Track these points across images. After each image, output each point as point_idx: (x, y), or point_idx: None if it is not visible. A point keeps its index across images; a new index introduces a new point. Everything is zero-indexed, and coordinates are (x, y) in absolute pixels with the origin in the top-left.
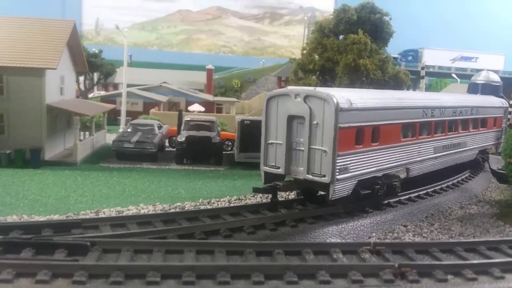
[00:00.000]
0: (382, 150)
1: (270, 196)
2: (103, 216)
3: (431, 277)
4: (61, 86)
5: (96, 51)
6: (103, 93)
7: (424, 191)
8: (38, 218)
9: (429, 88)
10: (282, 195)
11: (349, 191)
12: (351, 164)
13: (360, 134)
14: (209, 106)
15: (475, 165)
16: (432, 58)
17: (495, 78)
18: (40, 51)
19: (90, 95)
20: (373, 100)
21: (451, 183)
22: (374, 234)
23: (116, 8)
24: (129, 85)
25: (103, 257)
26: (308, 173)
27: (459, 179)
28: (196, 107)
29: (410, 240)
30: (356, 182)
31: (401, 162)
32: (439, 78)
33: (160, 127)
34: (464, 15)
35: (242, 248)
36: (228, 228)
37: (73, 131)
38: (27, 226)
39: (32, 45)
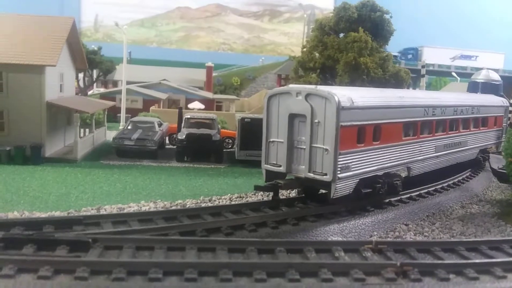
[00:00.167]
0: (383, 149)
1: (271, 194)
2: (104, 213)
3: (433, 276)
4: (60, 83)
5: (95, 48)
6: (102, 90)
7: (425, 190)
8: (40, 214)
9: (428, 86)
10: (283, 193)
11: (351, 190)
12: (353, 163)
13: (361, 133)
14: (208, 104)
15: (476, 164)
16: (432, 56)
17: (495, 77)
18: (40, 48)
19: (90, 92)
20: (374, 98)
21: (452, 182)
22: (375, 233)
23: (115, 5)
24: (128, 82)
25: (105, 253)
26: (309, 172)
27: (460, 178)
28: (196, 105)
29: (411, 239)
30: (357, 180)
31: (402, 161)
32: (439, 76)
33: (160, 125)
34: (464, 13)
35: (244, 246)
36: (230, 226)
37: (73, 128)
38: (28, 223)
39: (31, 42)
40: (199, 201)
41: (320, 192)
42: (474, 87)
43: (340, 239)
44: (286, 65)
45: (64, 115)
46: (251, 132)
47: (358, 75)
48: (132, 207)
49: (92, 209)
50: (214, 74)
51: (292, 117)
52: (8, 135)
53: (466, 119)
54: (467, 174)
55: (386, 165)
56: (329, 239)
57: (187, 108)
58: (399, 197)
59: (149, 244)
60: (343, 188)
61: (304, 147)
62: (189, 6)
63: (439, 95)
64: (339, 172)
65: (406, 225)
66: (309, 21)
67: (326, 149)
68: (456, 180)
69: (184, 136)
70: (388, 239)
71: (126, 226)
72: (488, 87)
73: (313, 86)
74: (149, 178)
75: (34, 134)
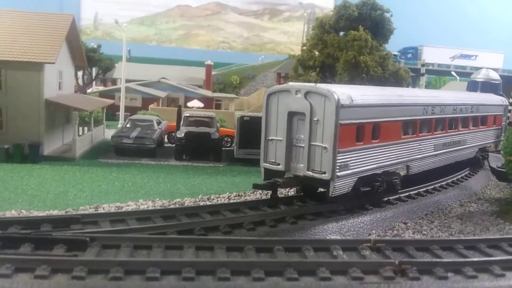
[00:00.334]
0: (382, 147)
1: (270, 192)
2: (102, 211)
3: (431, 274)
4: (59, 81)
5: (95, 46)
6: (101, 88)
7: (424, 189)
8: (37, 213)
9: (428, 86)
10: (282, 192)
11: (349, 188)
12: (352, 161)
13: (360, 131)
14: (208, 102)
15: (475, 163)
16: (432, 55)
17: (495, 76)
18: (39, 46)
19: (89, 90)
20: (373, 97)
21: (451, 180)
22: (374, 231)
23: (115, 3)
24: (127, 81)
25: (102, 252)
26: (308, 170)
27: (459, 177)
28: (195, 103)
29: (410, 238)
30: (356, 179)
31: (401, 160)
32: (439, 75)
33: (159, 123)
34: (464, 13)
35: (242, 245)
36: (228, 225)
37: (71, 126)
38: (26, 221)
39: (30, 39)
40: (197, 200)
41: (318, 191)
42: (473, 86)
43: (338, 237)
44: (285, 64)
45: (63, 113)
46: (250, 131)
47: (357, 74)
48: (131, 206)
49: (90, 208)
50: (213, 72)
51: (291, 115)
52: (6, 133)
53: (465, 118)
54: (466, 173)
55: (385, 163)
56: (328, 237)
57: (186, 106)
58: (398, 196)
59: (147, 243)
60: (341, 186)
61: (303, 145)
62: (189, 5)
63: (439, 93)
64: (337, 170)
65: (404, 223)
66: (309, 20)
67: (325, 147)
68: (455, 178)
69: (183, 135)
70: (387, 238)
71: (124, 225)
72: (487, 86)
73: (312, 84)
74: (147, 177)
75: (33, 132)
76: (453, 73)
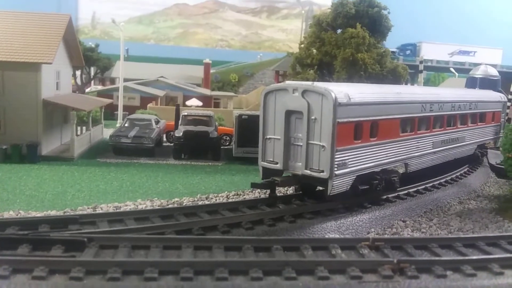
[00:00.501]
0: (380, 145)
1: (268, 191)
2: (100, 211)
3: (430, 272)
4: (57, 80)
5: (93, 45)
6: (100, 87)
7: (423, 186)
8: (35, 213)
9: (427, 82)
10: (280, 191)
11: (348, 187)
12: (350, 159)
13: (358, 129)
14: (206, 101)
15: (474, 160)
16: (430, 52)
17: (494, 72)
18: (36, 46)
19: (87, 90)
20: (371, 94)
21: (449, 178)
22: (372, 230)
23: (112, 2)
24: (126, 80)
25: (100, 253)
26: (306, 169)
27: (458, 174)
28: (193, 102)
29: (409, 236)
30: (354, 177)
31: (400, 157)
32: (437, 72)
33: (157, 122)
34: (462, 9)
35: (240, 244)
36: (226, 224)
37: (69, 126)
38: (24, 222)
39: (27, 39)
40: (196, 199)
41: (317, 189)
42: (472, 83)
43: (337, 236)
44: (284, 62)
45: (61, 113)
46: (249, 129)
47: (355, 71)
48: (129, 206)
49: (88, 208)
50: (212, 71)
51: (289, 113)
52: (4, 134)
53: (464, 114)
54: (465, 170)
55: (383, 161)
56: (326, 236)
57: (185, 105)
58: (396, 194)
59: (145, 243)
60: (340, 185)
61: (301, 144)
62: (187, 3)
63: (437, 90)
64: (336, 169)
65: (403, 221)
66: (307, 17)
67: (323, 146)
68: (454, 176)
69: (181, 134)
70: (385, 236)
71: (122, 225)
72: (486, 83)
73: (309, 83)
74: (146, 176)
75: (31, 132)
76: (451, 69)
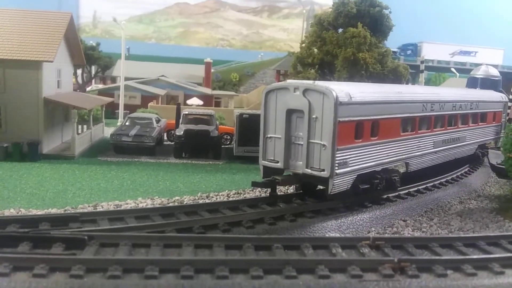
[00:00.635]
0: (381, 145)
1: (269, 190)
2: (101, 210)
3: (430, 272)
4: (58, 79)
5: (94, 44)
6: (101, 86)
7: (424, 186)
8: (36, 211)
9: (428, 82)
10: (281, 189)
11: (348, 186)
12: (350, 159)
13: (359, 128)
14: (207, 100)
15: (475, 160)
16: (431, 52)
17: (495, 72)
18: (37, 44)
19: (88, 88)
20: (372, 94)
21: (450, 177)
22: (373, 229)
23: (113, 1)
24: (127, 78)
25: (100, 251)
26: (307, 167)
27: (459, 173)
28: (194, 101)
29: (409, 235)
30: (355, 176)
31: (401, 157)
32: (438, 72)
33: (158, 121)
34: (463, 9)
35: (240, 243)
36: (227, 223)
37: (70, 124)
38: (24, 220)
39: (28, 37)
40: (196, 198)
41: (318, 188)
42: (473, 83)
43: (337, 235)
44: (285, 61)
45: (62, 112)
46: (249, 128)
47: (356, 71)
48: (129, 204)
49: (89, 206)
50: (212, 70)
51: (290, 112)
52: (5, 132)
53: (465, 114)
54: (466, 170)
55: (384, 160)
56: (327, 235)
57: (185, 104)
58: (397, 193)
59: (145, 241)
60: (340, 184)
61: (302, 143)
62: (188, 2)
63: (438, 90)
64: (336, 168)
65: (404, 221)
66: (308, 17)
67: (324, 145)
68: (454, 175)
69: (182, 132)
70: (386, 235)
71: (122, 223)
72: (487, 83)
73: (311, 82)
74: (147, 175)
75: (31, 130)
76: (452, 69)
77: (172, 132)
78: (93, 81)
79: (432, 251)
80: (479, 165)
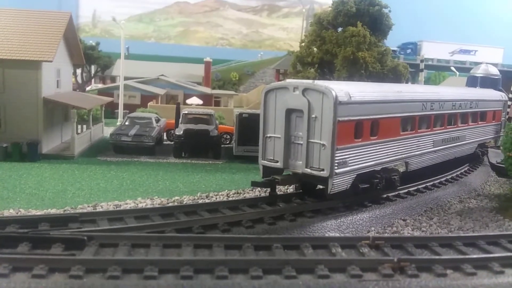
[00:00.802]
0: (381, 144)
1: (268, 190)
2: (100, 210)
3: (430, 271)
4: (57, 79)
5: (93, 44)
6: (100, 86)
7: (423, 185)
8: (35, 212)
9: (427, 81)
10: (280, 189)
11: (348, 185)
12: (350, 158)
13: (359, 128)
14: (207, 99)
15: (474, 159)
16: (431, 51)
17: (494, 71)
18: (36, 44)
19: (88, 88)
20: (372, 93)
21: (450, 177)
22: (373, 228)
23: (113, 0)
24: (126, 78)
25: (100, 251)
26: (306, 167)
27: (458, 173)
28: (194, 100)
29: (409, 234)
30: (355, 176)
31: (400, 156)
32: (438, 71)
33: (158, 120)
34: (463, 8)
35: (240, 242)
36: (227, 222)
37: (70, 124)
38: (24, 220)
39: (27, 37)
40: (196, 198)
41: (317, 188)
42: (473, 82)
43: (337, 235)
44: (284, 60)
45: (61, 111)
46: (249, 128)
47: (356, 70)
48: (129, 204)
49: (88, 206)
50: (212, 69)
51: (289, 112)
52: (5, 132)
53: (465, 113)
54: (466, 169)
55: (384, 160)
56: (326, 235)
57: (185, 103)
58: (397, 192)
59: (145, 242)
60: (340, 183)
61: (301, 142)
62: (188, 1)
63: (438, 89)
64: (336, 167)
65: (404, 220)
66: (308, 15)
67: (323, 144)
68: (454, 174)
69: (181, 132)
70: (386, 235)
71: (122, 224)
72: (487, 82)
73: (310, 81)
74: (146, 175)
75: (31, 130)
76: (452, 68)
77: (172, 131)
78: (93, 80)
79: (432, 250)
80: (478, 164)
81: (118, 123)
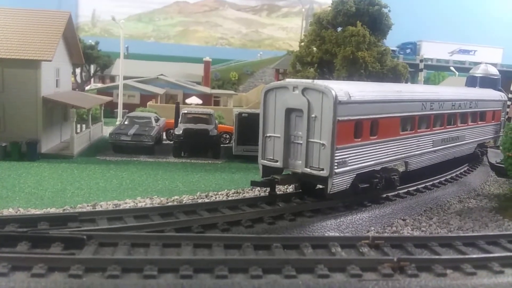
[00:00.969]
0: (380, 144)
1: (268, 189)
2: (100, 209)
3: (430, 271)
4: (56, 78)
5: (93, 43)
6: (100, 85)
7: (423, 185)
8: (35, 211)
9: (427, 81)
10: (280, 189)
11: (348, 185)
12: (350, 158)
13: (358, 127)
14: (206, 99)
15: (474, 159)
16: (431, 51)
17: (494, 71)
18: (35, 43)
19: (87, 88)
20: (371, 93)
21: (449, 176)
22: (372, 228)
23: None
24: (126, 78)
25: (99, 250)
26: (306, 167)
27: (458, 172)
28: (193, 100)
29: (408, 234)
30: (354, 175)
31: (400, 156)
32: (437, 71)
33: (157, 120)
34: (463, 8)
35: (240, 242)
36: (226, 222)
37: (69, 123)
38: (23, 219)
39: (27, 36)
40: (195, 197)
41: (317, 187)
42: (472, 82)
43: (337, 234)
44: (284, 60)
45: (60, 111)
46: (249, 127)
47: (356, 70)
48: (128, 203)
49: (87, 206)
50: (212, 69)
51: (289, 111)
52: (4, 131)
53: (464, 113)
54: (465, 169)
55: (383, 159)
56: (326, 234)
57: (184, 103)
58: (396, 192)
59: (144, 241)
60: (340, 183)
61: (301, 142)
62: (187, 1)
63: (437, 89)
64: (336, 167)
65: (403, 220)
66: (307, 15)
67: (323, 144)
68: (454, 174)
69: (181, 132)
70: (385, 234)
71: (121, 223)
72: (486, 82)
73: (310, 81)
74: (145, 174)
75: (30, 129)
76: (452, 68)
77: (171, 131)
78: (92, 80)
79: (432, 250)
80: (478, 164)
81: (118, 123)
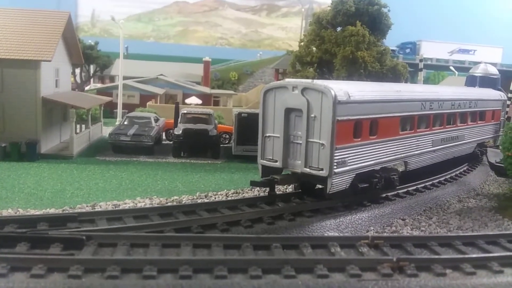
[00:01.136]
0: (380, 143)
1: (267, 189)
2: (99, 209)
3: (429, 271)
4: (56, 78)
5: (92, 43)
6: (99, 85)
7: (422, 185)
8: (34, 211)
9: (427, 81)
10: (279, 189)
11: (347, 185)
12: (349, 158)
13: (358, 127)
14: (206, 99)
15: (473, 158)
16: (430, 50)
17: (493, 71)
18: (35, 43)
19: (87, 88)
20: (371, 92)
21: (449, 176)
22: (372, 228)
23: None
24: (125, 78)
25: (99, 251)
26: (305, 167)
27: (457, 172)
28: (193, 100)
29: (408, 234)
30: (354, 175)
31: (399, 155)
32: (437, 70)
33: (156, 120)
34: (462, 7)
35: (239, 242)
36: (225, 222)
37: (69, 124)
38: (22, 220)
39: (26, 37)
40: (195, 197)
41: (316, 187)
42: (472, 81)
43: (336, 234)
44: (283, 60)
45: (60, 111)
46: (248, 127)
47: (355, 69)
48: (128, 204)
49: (87, 206)
50: (211, 69)
51: (288, 111)
52: (3, 131)
53: (464, 113)
54: (465, 168)
55: (383, 159)
56: (325, 234)
57: (184, 103)
58: (396, 192)
59: (144, 241)
60: (339, 183)
61: (300, 142)
62: (187, 1)
63: (437, 89)
64: (335, 167)
65: (403, 219)
66: (307, 15)
67: (322, 144)
68: (453, 174)
69: (180, 132)
70: (385, 234)
71: (120, 223)
72: (486, 81)
73: (309, 80)
74: (145, 174)
75: (30, 130)
76: (451, 68)
77: (171, 131)
78: (92, 80)
79: (431, 250)
80: (478, 163)
81: (117, 123)
